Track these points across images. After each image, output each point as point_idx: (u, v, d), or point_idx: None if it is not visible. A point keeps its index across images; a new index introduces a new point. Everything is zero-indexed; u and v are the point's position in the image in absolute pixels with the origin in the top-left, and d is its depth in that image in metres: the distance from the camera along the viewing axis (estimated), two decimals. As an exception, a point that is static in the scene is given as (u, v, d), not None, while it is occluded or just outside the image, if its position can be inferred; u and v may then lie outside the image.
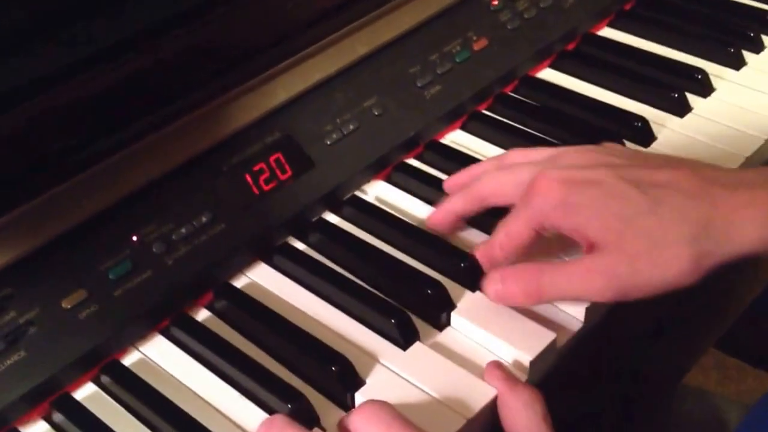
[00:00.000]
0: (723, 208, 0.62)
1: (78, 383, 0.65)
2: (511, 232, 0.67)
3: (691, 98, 0.87)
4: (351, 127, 0.80)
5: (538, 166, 0.68)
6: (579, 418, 0.80)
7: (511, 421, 0.61)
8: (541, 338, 0.66)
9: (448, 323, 0.68)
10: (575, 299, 0.66)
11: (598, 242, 0.63)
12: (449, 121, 0.86)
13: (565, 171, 0.66)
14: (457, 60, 0.87)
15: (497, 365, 0.64)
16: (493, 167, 0.73)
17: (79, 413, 0.63)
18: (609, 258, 0.62)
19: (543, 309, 0.68)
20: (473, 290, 0.70)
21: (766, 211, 0.61)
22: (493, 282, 0.67)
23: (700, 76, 0.88)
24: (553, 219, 0.65)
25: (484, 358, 0.65)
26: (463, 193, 0.73)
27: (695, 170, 0.64)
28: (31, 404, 0.63)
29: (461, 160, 0.82)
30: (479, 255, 0.70)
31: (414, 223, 0.76)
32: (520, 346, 0.65)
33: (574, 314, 0.68)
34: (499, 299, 0.67)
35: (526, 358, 0.65)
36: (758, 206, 0.61)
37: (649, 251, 0.61)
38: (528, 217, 0.66)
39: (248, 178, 0.75)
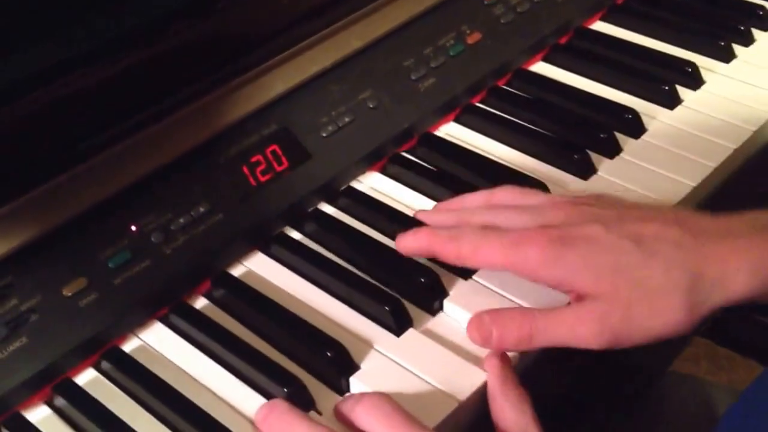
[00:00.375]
0: (713, 259, 0.63)
1: (79, 369, 0.67)
2: (483, 249, 0.67)
3: (682, 91, 0.88)
4: (346, 119, 0.81)
5: (525, 218, 0.69)
6: (568, 405, 0.81)
7: (499, 416, 0.62)
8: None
9: (440, 310, 0.70)
10: (567, 345, 0.64)
11: (590, 293, 0.64)
12: (443, 113, 0.88)
13: (556, 230, 0.66)
14: (451, 53, 0.88)
15: (496, 357, 0.64)
16: (481, 201, 0.74)
17: (81, 398, 0.64)
18: (603, 306, 0.63)
19: (534, 298, 0.69)
20: (465, 278, 0.71)
21: (753, 261, 0.62)
22: (481, 326, 0.66)
23: (690, 69, 0.89)
24: (541, 274, 0.65)
25: (475, 345, 0.66)
26: (443, 236, 0.69)
27: (682, 222, 0.65)
28: (33, 389, 0.64)
29: (455, 152, 0.84)
30: (412, 239, 0.71)
31: (408, 214, 0.78)
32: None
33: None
34: (489, 345, 0.65)
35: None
36: (743, 257, 0.63)
37: (644, 300, 0.62)
38: (507, 255, 0.65)
39: (245, 170, 0.76)
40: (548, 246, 0.64)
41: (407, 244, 0.71)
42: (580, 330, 0.63)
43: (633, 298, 0.62)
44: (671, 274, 0.62)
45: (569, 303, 0.66)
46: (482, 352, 0.66)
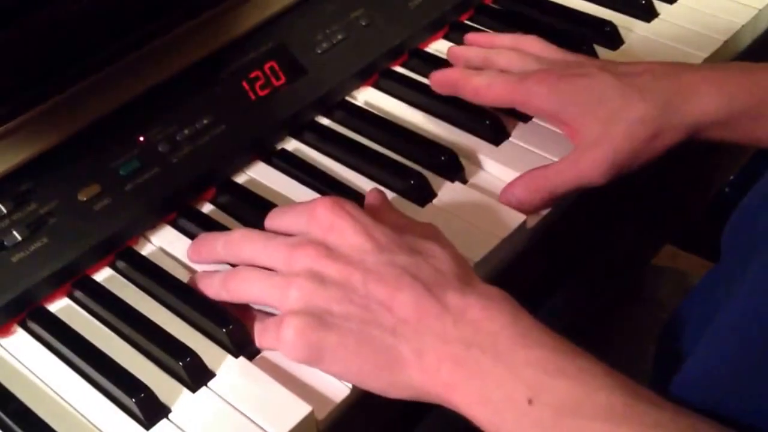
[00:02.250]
0: (685, 81, 0.71)
1: (96, 267, 0.71)
2: (494, 86, 0.77)
3: (658, 4, 0.92)
4: (340, 36, 0.86)
5: (538, 66, 0.78)
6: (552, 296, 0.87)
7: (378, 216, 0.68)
8: (513, 219, 0.73)
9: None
10: (582, 188, 0.73)
11: (580, 129, 0.72)
12: (433, 30, 0.92)
13: (558, 70, 0.75)
14: (440, -28, 0.92)
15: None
16: (509, 43, 0.83)
17: (99, 291, 0.69)
18: (594, 145, 0.71)
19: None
20: (452, 181, 0.76)
21: (721, 86, 0.70)
22: (511, 196, 0.74)
23: (667, -16, 0.93)
24: (537, 104, 0.75)
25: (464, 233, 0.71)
26: (466, 75, 0.80)
27: (667, 62, 0.75)
28: (55, 285, 0.69)
29: (444, 67, 0.88)
30: (444, 75, 0.81)
31: (400, 124, 0.82)
32: (493, 229, 0.72)
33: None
34: (521, 208, 0.73)
35: (495, 239, 0.71)
36: (715, 81, 0.71)
37: (623, 128, 0.71)
38: (515, 89, 0.75)
39: (245, 85, 0.80)
40: (548, 80, 0.74)
41: (437, 78, 0.81)
42: (585, 172, 0.72)
43: (614, 131, 0.71)
44: (647, 100, 0.70)
45: None
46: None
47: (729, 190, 1.20)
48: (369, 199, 0.71)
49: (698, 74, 0.72)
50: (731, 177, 1.20)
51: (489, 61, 0.82)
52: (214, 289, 0.66)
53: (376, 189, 0.72)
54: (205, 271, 0.69)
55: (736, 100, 0.70)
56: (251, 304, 0.67)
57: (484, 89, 0.77)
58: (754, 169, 1.13)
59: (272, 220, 0.69)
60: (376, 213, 0.68)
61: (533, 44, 0.82)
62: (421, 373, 0.58)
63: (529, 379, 0.55)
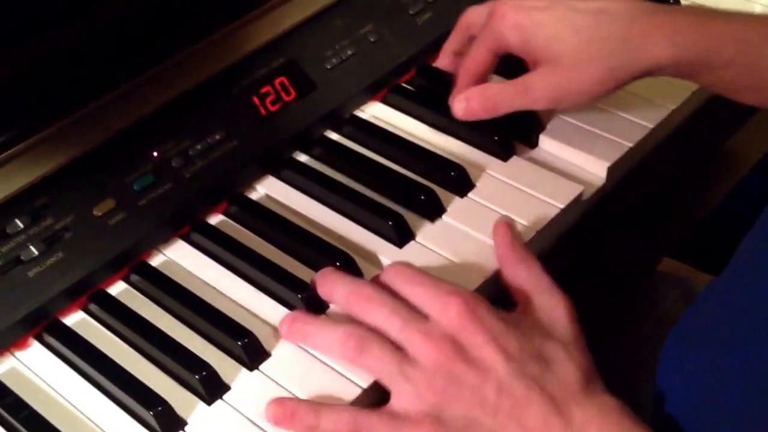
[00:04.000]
0: (640, 27, 0.74)
1: (111, 281, 0.73)
2: (475, 55, 0.81)
3: None
4: (349, 52, 0.87)
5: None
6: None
7: (513, 280, 0.70)
8: (522, 234, 0.74)
9: (440, 219, 0.76)
10: (522, 108, 0.78)
11: (536, 56, 0.77)
12: (440, 46, 0.92)
13: (524, 2, 0.79)
14: (447, -12, 0.93)
15: (504, 223, 0.72)
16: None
17: (114, 305, 0.70)
18: (543, 74, 0.76)
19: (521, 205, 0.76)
20: (462, 196, 0.78)
21: (675, 32, 0.73)
22: (458, 101, 0.79)
23: None
24: (508, 39, 0.78)
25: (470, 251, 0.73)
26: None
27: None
28: (70, 299, 0.70)
29: (450, 82, 0.89)
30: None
31: (408, 139, 0.84)
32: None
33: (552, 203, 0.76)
34: (464, 116, 0.79)
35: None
36: (670, 27, 0.73)
37: (572, 66, 0.75)
38: (487, 40, 0.80)
39: (256, 100, 0.81)
40: (510, 11, 0.78)
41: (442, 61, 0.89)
42: (527, 95, 0.77)
43: (563, 65, 0.76)
44: (600, 41, 0.75)
45: None
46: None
47: (727, 204, 1.21)
48: (502, 247, 0.71)
49: (652, 20, 0.74)
50: (730, 189, 1.21)
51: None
52: (327, 342, 0.65)
53: (505, 226, 0.72)
54: (317, 318, 0.68)
55: (686, 47, 0.73)
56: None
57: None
58: (753, 183, 1.14)
59: (397, 282, 0.68)
60: (509, 269, 0.70)
61: (471, 14, 0.87)
62: None
63: None
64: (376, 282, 0.68)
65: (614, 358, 0.94)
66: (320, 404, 0.62)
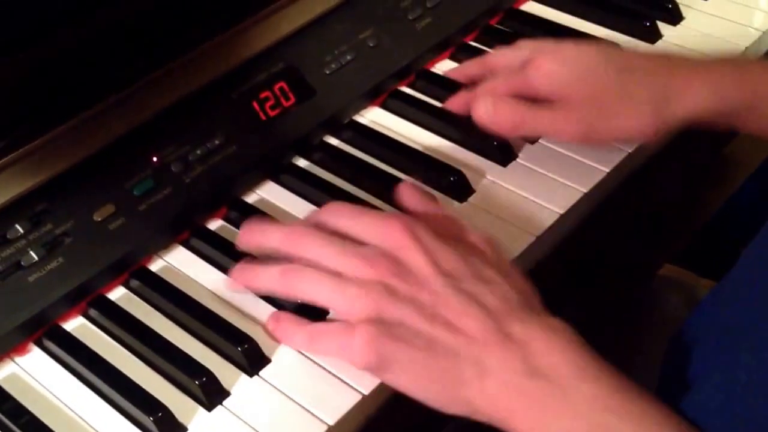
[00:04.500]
0: (679, 78, 0.74)
1: (110, 286, 0.73)
2: (496, 86, 0.80)
3: (662, 26, 0.94)
4: (348, 57, 0.87)
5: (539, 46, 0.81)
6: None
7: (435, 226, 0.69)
8: (522, 240, 0.74)
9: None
10: (547, 135, 0.78)
11: (574, 98, 0.76)
12: (439, 51, 0.93)
13: (560, 49, 0.79)
14: (446, -6, 0.94)
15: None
16: (510, 59, 0.84)
17: (114, 310, 0.70)
18: (583, 106, 0.75)
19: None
20: (461, 201, 0.78)
21: (715, 81, 0.74)
22: (485, 104, 0.78)
23: (670, 6, 0.95)
24: (539, 88, 0.77)
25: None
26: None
27: (661, 56, 0.79)
28: (70, 304, 0.70)
29: (450, 87, 0.89)
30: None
31: (407, 144, 0.84)
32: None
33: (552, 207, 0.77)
34: (485, 122, 0.78)
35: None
36: (707, 78, 0.74)
37: (616, 104, 0.74)
38: (515, 84, 0.79)
39: (255, 105, 0.81)
40: (548, 62, 0.78)
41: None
42: (559, 124, 0.76)
43: (606, 102, 0.75)
44: (641, 89, 0.74)
45: None
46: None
47: (727, 209, 1.21)
48: (411, 201, 0.72)
49: (690, 71, 0.75)
50: (730, 194, 1.21)
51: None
52: (268, 280, 0.67)
53: (407, 185, 0.73)
54: (251, 260, 0.70)
55: (728, 95, 0.73)
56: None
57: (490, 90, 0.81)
58: (753, 188, 1.15)
59: (333, 218, 0.69)
60: (433, 221, 0.69)
61: (500, 56, 0.86)
62: (481, 395, 0.59)
63: (588, 414, 0.57)
64: (313, 220, 0.69)
65: (615, 361, 0.94)
66: (295, 321, 0.66)
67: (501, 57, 0.84)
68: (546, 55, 0.78)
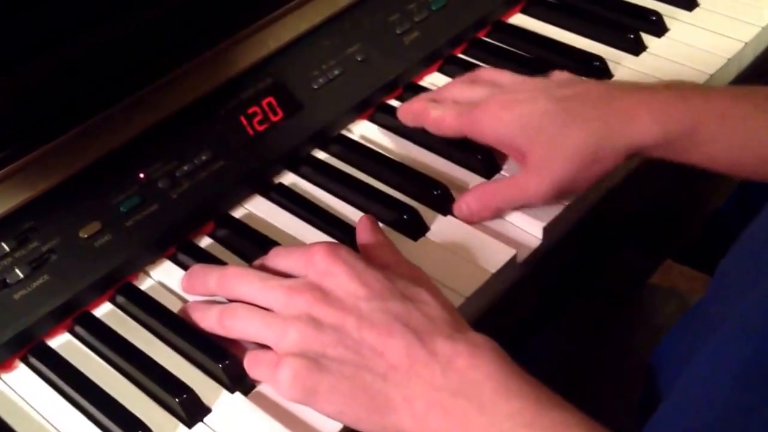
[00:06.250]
0: (621, 106, 0.74)
1: (97, 303, 0.73)
2: (446, 118, 0.80)
3: (646, 38, 0.94)
4: (336, 72, 0.88)
5: (489, 91, 0.81)
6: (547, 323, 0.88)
7: (369, 254, 0.71)
8: (505, 252, 0.75)
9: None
10: (520, 203, 0.77)
11: (525, 153, 0.75)
12: (427, 64, 0.93)
13: (502, 96, 0.79)
14: (433, 8, 0.94)
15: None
16: (465, 79, 0.86)
17: (99, 327, 0.71)
18: (537, 168, 0.75)
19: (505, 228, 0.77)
20: (445, 215, 0.78)
21: (658, 109, 0.73)
22: (457, 208, 0.78)
23: (654, 18, 0.95)
24: (485, 133, 0.78)
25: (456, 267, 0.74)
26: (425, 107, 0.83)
27: (605, 84, 0.78)
28: (55, 321, 0.71)
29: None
30: (408, 107, 0.85)
31: (394, 158, 0.84)
32: (484, 264, 0.74)
33: (533, 232, 0.76)
34: (468, 219, 0.77)
35: (486, 274, 0.73)
36: (654, 104, 0.73)
37: (564, 152, 0.74)
38: (463, 120, 0.79)
39: (243, 120, 0.82)
40: (492, 110, 0.78)
41: (403, 110, 0.85)
42: (530, 193, 0.75)
43: (555, 155, 0.74)
44: (581, 124, 0.73)
45: None
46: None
47: (725, 206, 1.21)
48: (361, 232, 0.73)
49: (633, 99, 0.74)
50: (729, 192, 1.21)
51: (442, 95, 0.85)
52: (209, 323, 0.68)
53: (366, 217, 0.74)
54: (198, 302, 0.71)
55: (671, 125, 0.72)
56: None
57: (438, 121, 0.81)
58: (751, 187, 1.14)
59: (270, 260, 0.71)
60: (369, 249, 0.70)
61: (485, 73, 0.86)
62: (411, 418, 0.60)
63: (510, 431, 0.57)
64: (256, 264, 0.72)
65: (606, 369, 0.95)
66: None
67: (454, 91, 0.85)
68: (498, 100, 0.79)
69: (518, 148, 0.77)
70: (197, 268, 0.72)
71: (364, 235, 0.72)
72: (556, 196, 0.76)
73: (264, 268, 0.70)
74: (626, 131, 0.73)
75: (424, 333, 0.61)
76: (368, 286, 0.64)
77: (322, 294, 0.64)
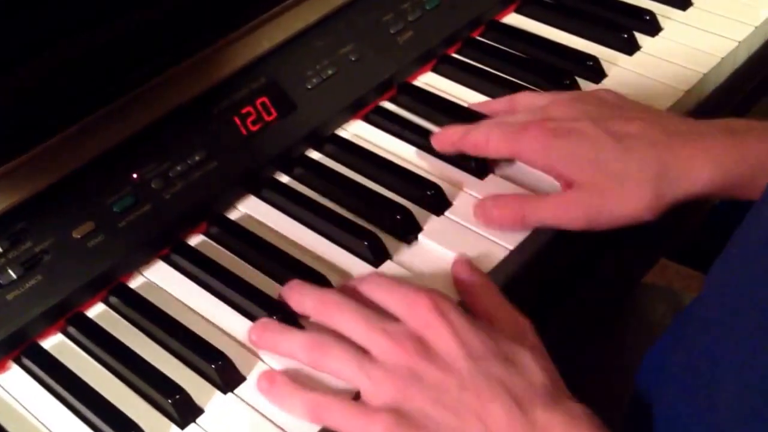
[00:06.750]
0: (681, 157, 0.72)
1: (90, 303, 0.73)
2: (491, 141, 0.78)
3: (640, 37, 0.94)
4: (330, 72, 0.87)
5: (530, 116, 0.79)
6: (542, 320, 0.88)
7: (471, 300, 0.70)
8: (499, 251, 0.75)
9: (416, 241, 0.77)
10: (553, 226, 0.75)
11: (574, 180, 0.74)
12: (421, 64, 0.94)
13: (552, 123, 0.76)
14: (427, 7, 0.94)
15: (461, 260, 0.73)
16: (504, 105, 0.85)
17: (92, 328, 0.71)
18: (582, 194, 0.73)
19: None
20: (438, 215, 0.78)
21: (716, 160, 0.71)
22: (484, 209, 0.77)
23: (648, 17, 0.95)
24: (535, 159, 0.77)
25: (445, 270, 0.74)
26: (463, 132, 0.81)
27: (661, 123, 0.75)
28: (48, 322, 0.71)
29: (432, 100, 0.90)
30: (448, 132, 0.82)
31: (388, 158, 0.84)
32: (478, 263, 0.73)
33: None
34: (489, 224, 0.76)
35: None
36: (709, 155, 0.72)
37: (616, 189, 0.72)
38: (511, 145, 0.77)
39: (237, 120, 0.82)
40: (542, 136, 0.75)
41: (439, 139, 0.83)
42: (562, 213, 0.74)
43: (607, 187, 0.72)
44: (642, 168, 0.72)
45: None
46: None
47: (721, 205, 1.21)
48: (459, 275, 0.72)
49: (690, 146, 0.73)
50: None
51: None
52: (291, 348, 0.67)
53: (462, 260, 0.73)
54: (284, 326, 0.69)
55: (729, 172, 0.71)
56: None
57: (482, 144, 0.79)
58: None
59: (368, 288, 0.69)
60: (470, 297, 0.70)
61: (524, 97, 0.84)
62: None
63: None
64: (346, 290, 0.70)
65: (600, 370, 0.95)
66: (293, 386, 0.65)
67: (526, 99, 0.84)
68: (545, 126, 0.77)
69: (567, 176, 0.75)
70: (296, 283, 0.71)
71: (463, 280, 0.72)
72: (591, 226, 0.74)
73: (357, 294, 0.69)
74: (686, 177, 0.72)
75: (525, 400, 0.61)
76: (471, 345, 0.63)
77: (424, 348, 0.63)
